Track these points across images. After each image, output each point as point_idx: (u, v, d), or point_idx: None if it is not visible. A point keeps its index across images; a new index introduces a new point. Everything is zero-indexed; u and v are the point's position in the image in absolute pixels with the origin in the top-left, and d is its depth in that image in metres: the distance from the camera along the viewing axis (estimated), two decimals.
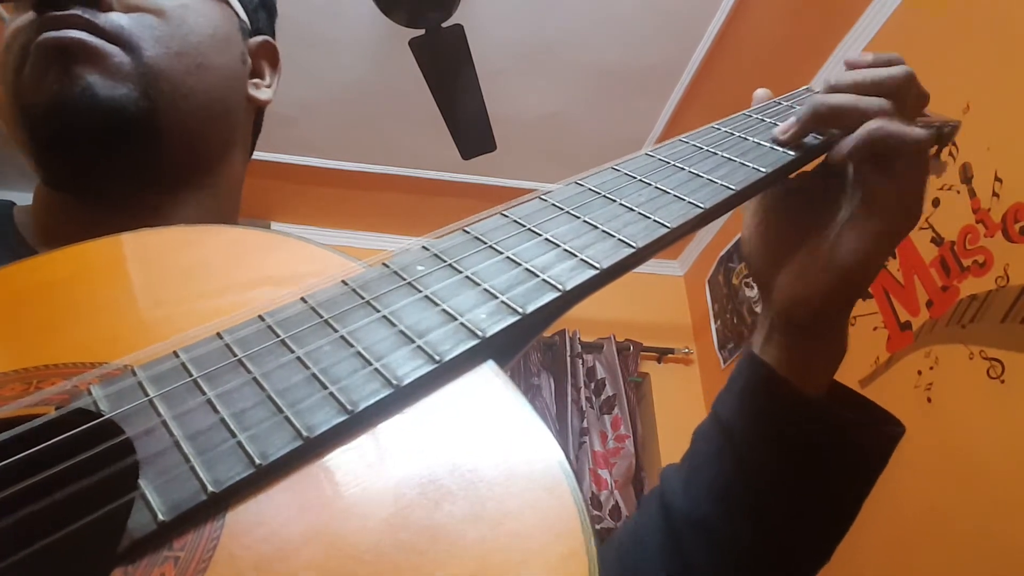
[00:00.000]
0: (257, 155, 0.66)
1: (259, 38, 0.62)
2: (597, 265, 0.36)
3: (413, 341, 0.31)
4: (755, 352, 0.52)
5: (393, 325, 0.32)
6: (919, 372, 1.67)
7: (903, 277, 1.75)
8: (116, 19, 0.48)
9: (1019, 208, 1.45)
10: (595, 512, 2.33)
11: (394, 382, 0.29)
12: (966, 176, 1.59)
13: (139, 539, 0.23)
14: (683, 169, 0.46)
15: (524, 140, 2.60)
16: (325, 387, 0.29)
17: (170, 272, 0.37)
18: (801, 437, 0.49)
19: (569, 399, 2.54)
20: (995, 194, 1.51)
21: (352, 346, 0.31)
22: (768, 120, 0.52)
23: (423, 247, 0.37)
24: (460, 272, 0.35)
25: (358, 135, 2.60)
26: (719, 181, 0.44)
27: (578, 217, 0.40)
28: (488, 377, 0.30)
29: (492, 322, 0.32)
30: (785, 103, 0.55)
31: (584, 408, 2.53)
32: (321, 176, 2.75)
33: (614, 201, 0.42)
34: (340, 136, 2.60)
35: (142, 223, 0.49)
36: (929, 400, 1.62)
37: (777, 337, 0.50)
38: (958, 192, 1.60)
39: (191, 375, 0.29)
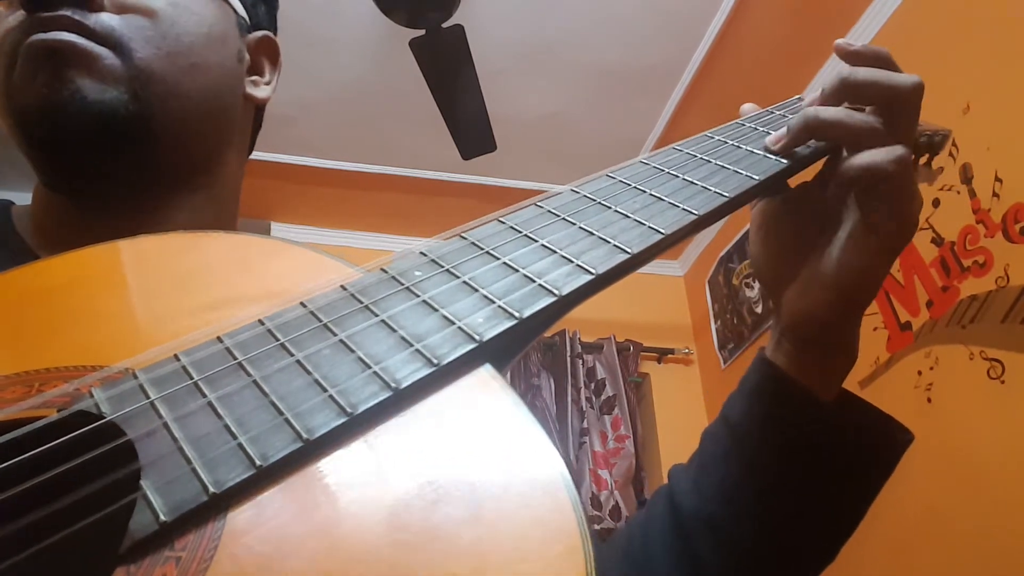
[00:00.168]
0: (257, 155, 0.65)
1: (258, 34, 0.61)
2: (592, 270, 0.36)
3: (411, 345, 0.31)
4: (766, 355, 0.52)
5: (392, 329, 0.32)
6: (919, 372, 1.67)
7: (903, 277, 1.75)
8: (107, 20, 0.47)
9: (1019, 208, 1.45)
10: (595, 512, 2.33)
11: (393, 385, 0.29)
12: (966, 176, 1.59)
13: (141, 539, 0.24)
14: (677, 176, 0.46)
15: (524, 140, 2.60)
16: (324, 390, 0.29)
17: (169, 277, 0.37)
18: (809, 438, 0.49)
19: (569, 399, 2.54)
20: (995, 194, 1.51)
21: (351, 350, 0.31)
22: (761, 129, 0.52)
23: (421, 252, 0.38)
24: (458, 277, 0.36)
25: (358, 135, 2.60)
26: (713, 188, 0.44)
27: (574, 223, 0.40)
28: (485, 380, 0.31)
29: (489, 326, 0.32)
30: (778, 112, 0.56)
31: (584, 408, 2.53)
32: (321, 176, 2.74)
33: (609, 208, 0.42)
34: (340, 136, 2.60)
35: (139, 224, 0.49)
36: (929, 400, 1.63)
37: (786, 346, 0.51)
38: (958, 192, 1.60)
39: (192, 378, 0.30)
